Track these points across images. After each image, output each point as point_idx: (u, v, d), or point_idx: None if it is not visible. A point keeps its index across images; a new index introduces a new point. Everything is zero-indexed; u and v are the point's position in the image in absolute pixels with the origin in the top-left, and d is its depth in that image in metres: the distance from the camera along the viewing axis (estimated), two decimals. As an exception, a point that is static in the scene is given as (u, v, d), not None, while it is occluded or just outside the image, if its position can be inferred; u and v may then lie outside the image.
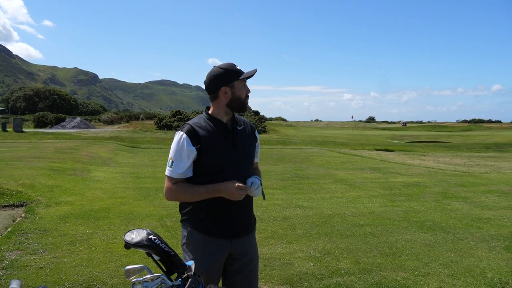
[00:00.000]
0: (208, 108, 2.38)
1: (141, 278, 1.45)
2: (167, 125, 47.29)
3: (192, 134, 2.21)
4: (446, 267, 4.78)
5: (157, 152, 19.99)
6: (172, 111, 54.64)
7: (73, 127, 48.06)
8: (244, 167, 2.33)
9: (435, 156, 23.83)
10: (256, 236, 2.69)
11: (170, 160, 2.25)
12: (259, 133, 2.38)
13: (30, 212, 6.68)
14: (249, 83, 2.38)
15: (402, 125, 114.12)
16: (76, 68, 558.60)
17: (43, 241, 5.28)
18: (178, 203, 2.42)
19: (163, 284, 1.46)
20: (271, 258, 4.93)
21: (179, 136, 2.23)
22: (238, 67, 2.29)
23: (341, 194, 9.49)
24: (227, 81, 2.25)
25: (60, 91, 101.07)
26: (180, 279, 1.52)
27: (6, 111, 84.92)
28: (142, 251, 1.55)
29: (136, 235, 1.52)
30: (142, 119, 58.73)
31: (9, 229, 5.71)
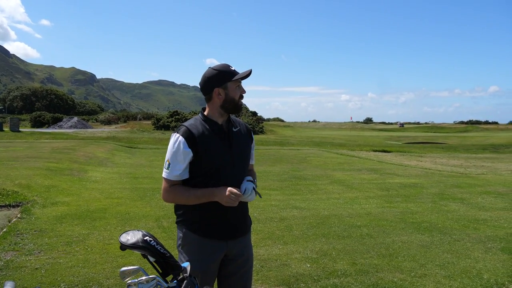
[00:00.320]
0: (204, 109, 2.38)
1: (136, 280, 1.45)
2: (165, 125, 47.29)
3: (188, 136, 2.21)
4: (443, 268, 4.78)
5: (154, 153, 19.96)
6: (169, 112, 54.64)
7: (70, 127, 48.00)
8: (240, 169, 2.32)
9: (432, 157, 23.88)
10: (253, 237, 2.68)
11: (167, 162, 2.25)
12: (256, 134, 2.37)
13: (26, 212, 6.66)
14: (247, 83, 2.38)
15: (400, 126, 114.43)
16: (73, 67, 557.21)
17: (39, 241, 5.26)
18: (174, 204, 2.42)
19: (159, 286, 1.46)
20: (267, 259, 4.93)
21: (175, 138, 2.23)
22: (233, 68, 2.28)
23: (338, 195, 9.49)
24: (220, 82, 2.25)
25: (57, 91, 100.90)
26: (175, 281, 1.52)
27: (3, 110, 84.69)
28: (138, 253, 1.55)
29: (131, 237, 1.52)
30: (140, 119, 58.70)
31: (4, 230, 5.69)
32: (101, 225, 6.16)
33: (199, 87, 2.34)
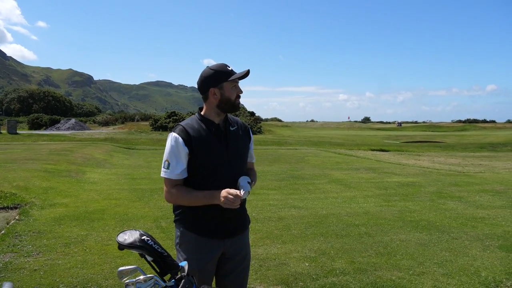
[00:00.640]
0: (201, 109, 2.38)
1: (134, 279, 1.45)
2: (163, 126, 47.24)
3: (184, 135, 2.22)
4: (441, 266, 4.79)
5: (152, 153, 19.94)
6: (167, 112, 54.58)
7: (68, 128, 47.91)
8: (237, 168, 2.32)
9: (430, 156, 23.92)
10: (251, 237, 2.69)
11: (166, 162, 2.25)
12: (254, 134, 2.38)
13: (24, 214, 6.65)
14: (245, 84, 2.38)
15: (397, 125, 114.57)
16: (70, 69, 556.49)
17: (37, 243, 5.26)
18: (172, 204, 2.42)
19: (156, 285, 1.46)
20: (266, 258, 4.93)
21: (172, 137, 2.24)
22: (230, 68, 2.28)
23: (336, 194, 9.50)
24: (216, 82, 2.25)
25: (54, 93, 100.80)
26: (173, 280, 1.52)
27: (0, 113, 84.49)
28: (137, 253, 1.55)
29: (129, 236, 1.52)
30: (137, 120, 58.64)
31: (3, 232, 5.68)
32: (99, 226, 6.15)
33: (197, 86, 2.35)
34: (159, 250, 1.51)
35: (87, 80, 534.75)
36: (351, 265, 4.77)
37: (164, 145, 2.34)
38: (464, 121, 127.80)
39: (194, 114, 2.44)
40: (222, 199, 2.09)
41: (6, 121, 42.03)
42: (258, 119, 66.91)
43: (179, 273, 1.55)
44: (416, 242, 5.72)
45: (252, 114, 63.54)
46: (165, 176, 2.25)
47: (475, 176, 13.53)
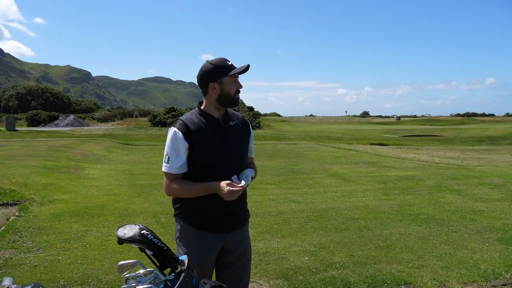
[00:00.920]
0: (201, 103, 2.38)
1: (134, 274, 1.45)
2: (161, 122, 47.18)
3: (184, 129, 2.22)
4: (440, 259, 4.81)
5: (151, 149, 19.93)
6: (166, 108, 54.51)
7: (67, 125, 47.85)
8: (237, 162, 2.33)
9: (429, 150, 23.94)
10: (251, 231, 2.70)
11: (166, 156, 2.26)
12: (253, 129, 2.38)
13: (24, 210, 6.65)
14: (244, 79, 2.37)
15: (396, 120, 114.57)
16: (68, 66, 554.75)
17: (37, 239, 5.26)
18: (171, 198, 2.42)
19: (156, 279, 1.46)
20: (266, 252, 4.94)
21: (172, 132, 2.25)
22: (230, 63, 2.28)
23: (335, 188, 9.51)
24: (216, 77, 2.25)
25: (53, 89, 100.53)
26: (173, 274, 1.52)
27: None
28: (137, 248, 1.55)
29: (128, 231, 1.52)
30: (136, 116, 58.55)
31: (2, 228, 5.68)
32: (99, 222, 6.16)
33: (196, 80, 2.34)
34: (159, 244, 1.51)
35: (85, 76, 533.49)
36: (351, 258, 4.78)
37: (163, 141, 2.35)
38: (463, 115, 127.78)
39: (193, 109, 2.44)
40: (225, 190, 2.10)
41: (4, 118, 41.97)
42: (257, 114, 66.82)
43: (179, 267, 1.55)
44: (415, 236, 5.73)
45: (251, 109, 63.44)
46: (165, 170, 2.27)
47: (474, 169, 13.56)
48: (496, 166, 14.96)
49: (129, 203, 7.48)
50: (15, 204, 7.06)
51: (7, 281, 1.39)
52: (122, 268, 1.49)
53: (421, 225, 6.28)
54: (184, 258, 1.59)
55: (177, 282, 1.45)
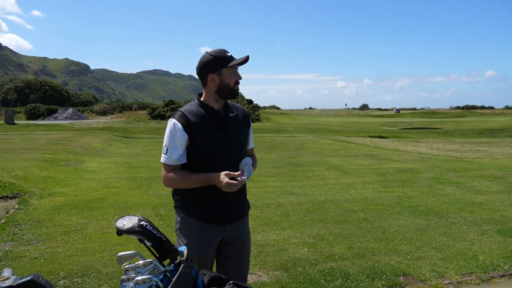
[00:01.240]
0: (201, 95, 2.37)
1: (133, 265, 1.45)
2: (160, 115, 47.10)
3: (183, 121, 2.22)
4: (439, 251, 4.83)
5: (150, 142, 19.92)
6: (165, 101, 54.38)
7: (66, 118, 47.75)
8: (236, 154, 2.32)
9: (428, 143, 23.96)
10: (251, 223, 2.70)
11: (165, 148, 2.26)
12: (252, 121, 2.38)
13: (24, 203, 6.66)
14: (243, 71, 2.36)
15: (396, 112, 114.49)
16: (67, 59, 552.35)
17: (37, 231, 5.27)
18: (171, 190, 2.43)
19: (156, 270, 1.46)
20: (265, 244, 4.96)
21: (171, 123, 2.25)
22: (229, 54, 2.27)
23: (334, 180, 9.53)
24: (215, 68, 2.24)
25: (51, 83, 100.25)
26: (172, 265, 1.52)
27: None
28: (136, 240, 1.55)
29: (127, 222, 1.52)
30: (135, 109, 58.46)
31: (2, 221, 5.69)
32: (98, 214, 6.17)
33: (196, 71, 2.33)
34: (158, 235, 1.51)
35: (83, 69, 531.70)
36: (350, 250, 4.80)
37: (162, 134, 2.35)
38: (463, 107, 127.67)
39: (192, 101, 2.44)
40: (223, 182, 2.10)
41: (3, 112, 41.84)
42: (256, 107, 66.70)
43: (178, 257, 1.56)
44: (414, 227, 5.75)
45: (250, 102, 63.32)
46: (163, 161, 2.27)
47: (473, 161, 13.58)
48: (495, 158, 14.99)
49: (128, 196, 7.49)
50: (15, 197, 7.07)
51: (6, 272, 1.39)
52: (122, 259, 1.49)
53: (420, 217, 6.30)
54: (183, 249, 1.59)
55: (176, 273, 1.45)
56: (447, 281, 4.04)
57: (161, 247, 1.52)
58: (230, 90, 2.28)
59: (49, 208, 6.44)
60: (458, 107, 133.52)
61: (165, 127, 2.30)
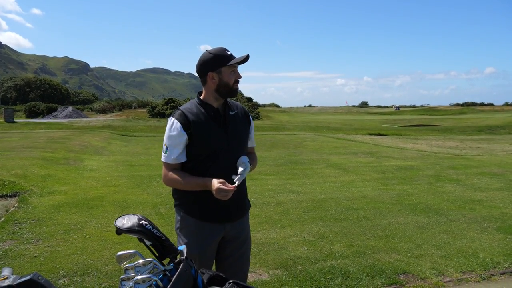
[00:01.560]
0: (201, 93, 2.37)
1: (133, 264, 1.45)
2: (160, 113, 47.07)
3: (183, 120, 2.22)
4: (439, 248, 4.83)
5: (150, 140, 19.92)
6: (164, 99, 54.33)
7: (65, 116, 47.68)
8: (236, 152, 2.31)
9: (428, 140, 23.96)
10: (250, 222, 2.70)
11: (165, 146, 2.27)
12: (252, 119, 2.36)
13: (23, 202, 6.65)
14: (242, 69, 2.35)
15: (395, 110, 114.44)
16: (66, 57, 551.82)
17: (37, 230, 5.27)
18: (171, 189, 2.43)
19: (155, 269, 1.46)
20: (265, 242, 4.96)
21: (171, 122, 2.25)
22: (229, 52, 2.26)
23: (334, 178, 9.53)
24: (214, 66, 2.23)
25: (51, 81, 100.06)
26: (172, 264, 1.52)
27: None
28: (136, 239, 1.55)
29: (127, 221, 1.51)
30: (135, 108, 58.39)
31: (2, 219, 5.69)
32: (98, 213, 6.17)
33: (196, 70, 2.33)
34: (157, 234, 1.50)
35: (83, 67, 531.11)
36: (350, 248, 4.80)
37: (162, 132, 2.35)
38: (462, 105, 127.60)
39: (192, 99, 2.43)
40: (214, 191, 2.09)
41: (3, 110, 41.81)
42: (256, 105, 66.66)
43: (178, 257, 1.55)
44: (414, 225, 5.75)
45: (249, 99, 63.28)
46: (163, 160, 2.28)
47: (473, 159, 13.58)
48: (495, 155, 14.99)
49: (128, 194, 7.48)
50: (15, 196, 7.07)
51: (6, 271, 1.38)
52: (121, 258, 1.49)
53: (420, 215, 6.30)
54: (183, 248, 1.59)
55: (176, 272, 1.45)
56: (447, 279, 4.04)
57: (161, 246, 1.52)
58: (230, 89, 2.28)
59: (48, 207, 6.44)
60: (457, 104, 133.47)
61: (165, 126, 2.30)
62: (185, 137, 2.21)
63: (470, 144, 20.76)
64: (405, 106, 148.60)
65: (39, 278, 1.31)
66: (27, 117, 50.79)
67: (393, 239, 5.13)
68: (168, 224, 5.52)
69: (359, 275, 4.04)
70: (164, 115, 45.46)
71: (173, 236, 2.41)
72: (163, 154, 2.28)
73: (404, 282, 3.95)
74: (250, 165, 2.30)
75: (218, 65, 2.23)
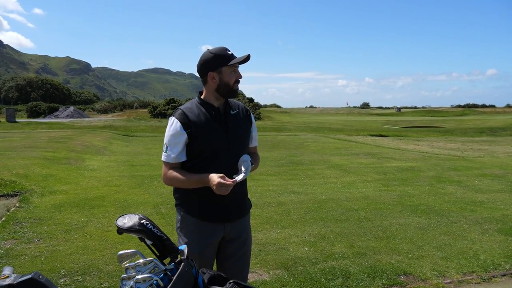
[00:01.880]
0: (201, 93, 2.37)
1: (134, 263, 1.45)
2: (161, 113, 47.11)
3: (183, 119, 2.22)
4: (440, 249, 4.82)
5: (151, 140, 19.93)
6: (166, 99, 54.38)
7: (67, 116, 47.72)
8: (237, 152, 2.31)
9: (429, 141, 23.94)
10: (251, 222, 2.70)
11: (165, 146, 2.28)
12: (254, 119, 2.36)
13: (25, 201, 6.66)
14: (243, 70, 2.35)
15: (397, 111, 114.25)
16: (68, 57, 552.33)
17: (38, 230, 5.28)
18: (171, 189, 2.43)
19: (156, 269, 1.46)
20: (266, 243, 4.96)
21: (171, 121, 2.26)
22: (230, 52, 2.26)
23: (335, 179, 9.52)
24: (215, 66, 2.24)
25: (52, 81, 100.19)
26: (173, 263, 1.52)
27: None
28: (137, 239, 1.55)
29: (128, 220, 1.52)
30: (136, 108, 58.43)
31: (3, 219, 5.70)
32: (99, 213, 6.17)
33: (196, 69, 2.33)
34: (158, 233, 1.50)
35: (84, 67, 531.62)
36: (351, 249, 4.80)
37: (163, 132, 2.35)
38: (464, 106, 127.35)
39: (193, 99, 2.43)
40: (214, 186, 2.09)
41: (4, 110, 41.88)
42: (257, 106, 66.64)
43: (178, 256, 1.56)
44: (415, 226, 5.74)
45: (251, 100, 63.27)
46: (163, 159, 2.28)
47: (475, 160, 13.56)
48: (497, 157, 14.97)
49: (129, 194, 7.49)
50: (16, 195, 7.08)
51: (7, 270, 1.39)
52: (122, 258, 1.49)
53: (421, 216, 6.29)
54: (183, 247, 1.59)
55: (176, 272, 1.45)
56: (448, 280, 4.03)
57: (162, 246, 1.52)
58: (230, 89, 2.28)
59: (50, 206, 6.45)
60: (459, 106, 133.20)
61: (166, 126, 2.31)
62: (185, 136, 2.21)
63: (471, 146, 20.74)
64: (407, 107, 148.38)
65: (40, 277, 1.31)
66: (29, 117, 50.86)
67: (394, 240, 5.13)
68: (169, 224, 5.53)
69: (359, 276, 4.04)
70: (165, 115, 45.49)
71: (174, 236, 2.41)
72: (163, 153, 2.28)
73: (405, 283, 3.94)
74: (252, 164, 2.30)
75: (219, 65, 2.23)
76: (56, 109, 53.75)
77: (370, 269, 4.20)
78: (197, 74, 2.33)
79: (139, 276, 1.40)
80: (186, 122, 2.21)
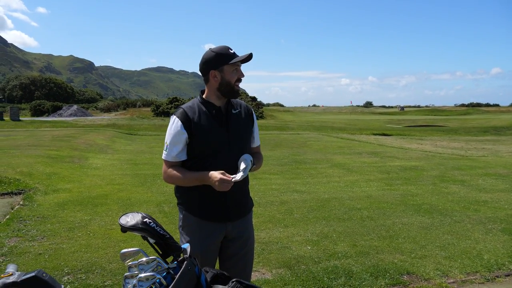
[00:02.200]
0: (203, 92, 2.37)
1: (136, 261, 1.45)
2: (164, 112, 47.15)
3: (184, 118, 2.22)
4: (443, 249, 4.81)
5: (154, 139, 19.97)
6: (169, 98, 54.41)
7: (70, 115, 47.83)
8: (238, 151, 2.30)
9: (432, 140, 23.87)
10: (254, 221, 2.70)
11: (166, 144, 2.29)
12: (256, 119, 2.35)
13: (28, 199, 6.69)
14: (246, 69, 2.35)
15: (400, 110, 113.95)
16: (71, 56, 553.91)
17: (42, 227, 5.30)
18: (174, 187, 2.43)
19: (159, 267, 1.46)
20: (269, 242, 4.96)
21: (172, 120, 2.26)
22: (232, 51, 2.26)
23: (338, 178, 9.51)
24: (217, 64, 2.23)
25: (56, 79, 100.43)
26: (175, 262, 1.52)
27: (3, 100, 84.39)
28: (140, 237, 1.55)
29: (131, 219, 1.52)
30: (139, 106, 58.50)
31: (7, 217, 5.72)
32: (102, 211, 6.19)
33: (198, 68, 2.33)
34: (161, 232, 1.50)
35: (88, 66, 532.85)
36: (353, 248, 4.79)
37: (166, 131, 2.35)
38: (468, 105, 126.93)
39: (195, 98, 2.43)
40: (216, 182, 2.09)
41: (8, 108, 42.04)
42: (260, 104, 66.59)
43: (181, 255, 1.56)
44: (418, 226, 5.73)
45: (254, 99, 63.21)
46: (163, 158, 2.30)
47: (478, 160, 13.51)
48: (501, 156, 14.92)
49: (132, 193, 7.51)
50: (20, 193, 7.11)
51: (11, 268, 1.39)
52: (125, 256, 1.49)
53: (424, 215, 6.28)
54: (186, 246, 1.59)
55: (179, 270, 1.45)
56: (451, 280, 4.02)
57: (165, 244, 1.52)
58: (231, 88, 2.28)
59: (53, 205, 6.47)
60: (463, 105, 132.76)
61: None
62: (185, 135, 2.22)
63: (475, 145, 20.68)
64: (410, 106, 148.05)
65: (44, 275, 1.32)
66: (33, 115, 51.00)
67: (397, 240, 5.12)
68: (172, 222, 5.53)
69: (362, 275, 4.04)
70: (168, 114, 45.51)
71: (177, 235, 2.42)
72: (163, 151, 2.30)
73: (408, 283, 3.94)
74: (254, 164, 2.30)
75: (221, 63, 2.23)
76: (60, 108, 53.89)
77: (373, 269, 4.20)
78: (200, 73, 2.33)
79: (142, 275, 1.40)
80: (186, 121, 2.22)
